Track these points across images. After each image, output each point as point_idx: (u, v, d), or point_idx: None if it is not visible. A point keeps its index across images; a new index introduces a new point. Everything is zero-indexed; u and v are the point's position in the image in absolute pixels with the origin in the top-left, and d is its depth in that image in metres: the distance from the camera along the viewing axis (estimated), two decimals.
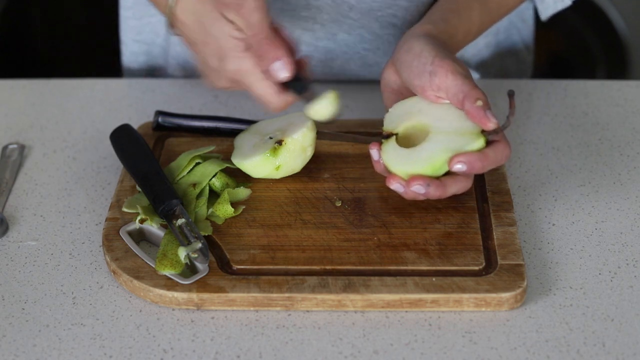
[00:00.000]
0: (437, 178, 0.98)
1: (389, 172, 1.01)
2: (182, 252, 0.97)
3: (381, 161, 1.02)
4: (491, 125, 0.96)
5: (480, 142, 0.97)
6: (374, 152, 1.02)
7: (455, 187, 0.98)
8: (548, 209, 1.07)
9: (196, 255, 0.97)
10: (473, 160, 0.96)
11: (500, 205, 1.04)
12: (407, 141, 1.01)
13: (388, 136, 1.02)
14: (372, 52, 1.26)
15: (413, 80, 1.01)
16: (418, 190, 0.97)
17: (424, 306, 0.94)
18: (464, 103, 0.97)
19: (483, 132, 0.97)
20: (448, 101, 1.00)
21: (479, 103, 0.96)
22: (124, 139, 1.12)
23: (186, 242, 0.99)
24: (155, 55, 1.36)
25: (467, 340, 0.92)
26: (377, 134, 1.13)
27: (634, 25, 1.98)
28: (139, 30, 1.35)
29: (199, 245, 0.98)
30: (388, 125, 1.03)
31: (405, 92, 1.05)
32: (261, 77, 1.02)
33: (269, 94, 1.03)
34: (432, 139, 0.99)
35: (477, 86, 0.98)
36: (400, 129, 1.02)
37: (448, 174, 0.99)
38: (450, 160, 0.96)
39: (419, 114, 1.01)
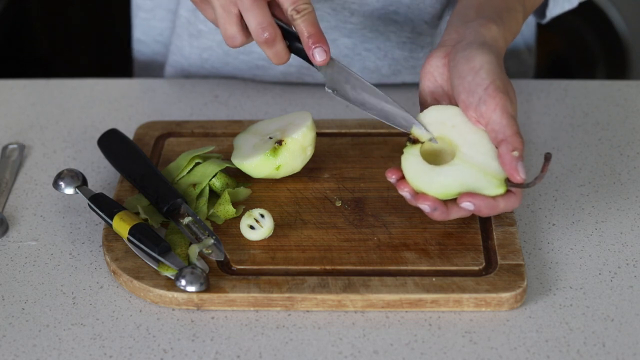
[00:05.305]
0: (445, 201, 0.96)
1: (415, 192, 0.97)
2: (194, 250, 0.97)
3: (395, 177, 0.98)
4: (519, 179, 0.94)
5: (499, 191, 0.95)
6: (392, 179, 0.98)
7: (459, 214, 0.97)
8: (548, 209, 1.07)
9: (210, 251, 0.97)
10: (483, 205, 0.95)
11: None
12: (429, 152, 0.99)
13: (414, 142, 0.99)
14: (374, 53, 1.25)
15: (460, 94, 0.97)
16: (424, 208, 0.96)
17: (424, 306, 0.94)
18: (501, 145, 0.94)
19: (507, 180, 0.95)
20: (484, 128, 0.97)
21: (515, 154, 0.94)
22: (113, 144, 1.11)
23: (196, 240, 0.99)
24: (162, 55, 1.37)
25: (467, 340, 0.92)
26: (377, 134, 1.13)
27: (634, 25, 1.98)
28: (160, 32, 1.35)
29: (211, 241, 0.98)
30: (416, 130, 0.99)
31: (448, 90, 1.01)
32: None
33: (265, 20, 0.98)
34: (455, 165, 0.96)
35: (519, 132, 0.95)
36: (426, 138, 0.98)
37: None
38: (462, 195, 0.95)
39: (452, 129, 0.98)
